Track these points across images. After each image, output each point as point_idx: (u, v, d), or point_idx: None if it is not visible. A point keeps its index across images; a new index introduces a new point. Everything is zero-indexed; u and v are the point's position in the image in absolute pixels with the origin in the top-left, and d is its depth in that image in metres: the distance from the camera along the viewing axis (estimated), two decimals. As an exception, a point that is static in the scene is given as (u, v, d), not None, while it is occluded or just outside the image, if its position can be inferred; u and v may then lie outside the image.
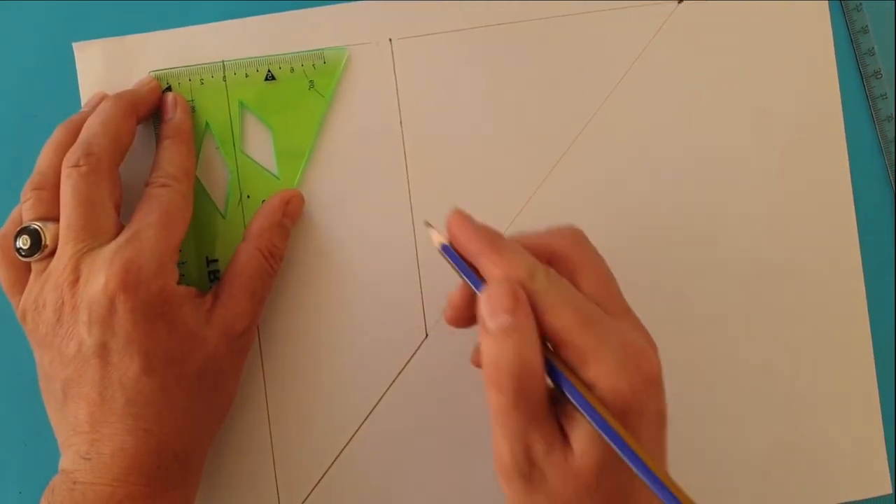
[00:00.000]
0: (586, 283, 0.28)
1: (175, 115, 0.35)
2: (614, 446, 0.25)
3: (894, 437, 0.37)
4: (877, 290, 0.38)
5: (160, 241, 0.31)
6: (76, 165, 0.32)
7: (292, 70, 0.37)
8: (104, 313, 0.30)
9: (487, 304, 0.26)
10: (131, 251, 0.31)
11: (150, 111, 0.36)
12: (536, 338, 0.26)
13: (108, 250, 0.31)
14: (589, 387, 0.26)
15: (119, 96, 0.34)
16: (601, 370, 0.25)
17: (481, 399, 0.26)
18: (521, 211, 0.37)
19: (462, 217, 0.28)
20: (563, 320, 0.26)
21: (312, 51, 0.37)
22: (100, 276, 0.30)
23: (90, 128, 0.33)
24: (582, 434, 0.26)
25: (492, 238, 0.28)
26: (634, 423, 0.26)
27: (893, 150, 0.38)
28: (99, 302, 0.30)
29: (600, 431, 0.25)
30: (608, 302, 0.28)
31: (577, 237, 0.30)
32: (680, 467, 0.36)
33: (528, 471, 0.27)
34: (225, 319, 0.33)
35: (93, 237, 0.31)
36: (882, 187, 0.39)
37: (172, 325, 0.31)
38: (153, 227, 0.32)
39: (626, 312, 0.29)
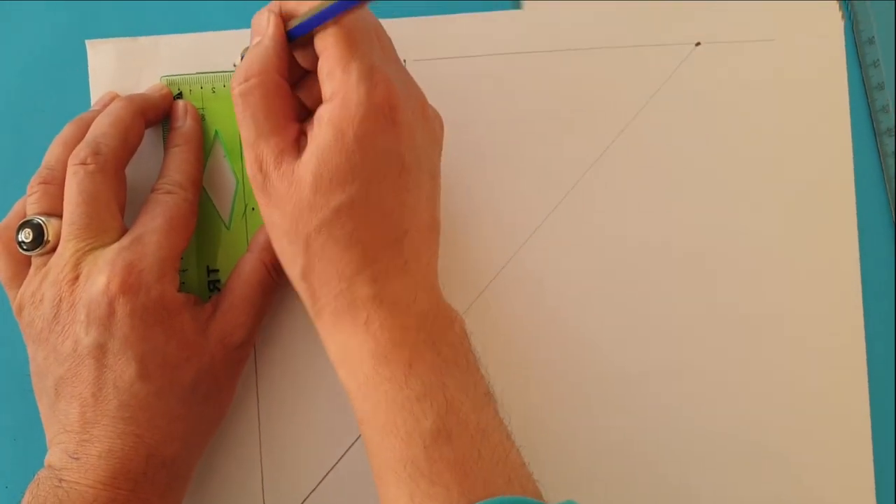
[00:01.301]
0: None
1: (185, 124, 0.35)
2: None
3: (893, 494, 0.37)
4: (877, 343, 0.38)
5: (163, 247, 0.31)
6: (83, 163, 0.32)
7: (304, 82, 0.36)
8: (103, 314, 0.30)
9: (251, 26, 0.30)
10: (134, 254, 0.31)
11: (159, 117, 0.35)
12: (273, 57, 0.29)
13: (111, 251, 0.31)
14: (327, 99, 0.28)
15: (130, 98, 0.34)
16: (344, 80, 0.27)
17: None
18: (526, 241, 0.37)
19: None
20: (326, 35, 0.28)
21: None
22: (101, 276, 0.30)
23: (99, 126, 0.33)
24: (310, 143, 0.28)
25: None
26: (351, 146, 0.27)
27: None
28: (98, 302, 0.30)
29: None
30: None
31: None
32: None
33: (262, 182, 0.29)
34: (224, 329, 0.33)
35: (95, 236, 0.31)
36: (889, 245, 0.39)
37: (170, 332, 0.31)
38: (157, 232, 0.32)
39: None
